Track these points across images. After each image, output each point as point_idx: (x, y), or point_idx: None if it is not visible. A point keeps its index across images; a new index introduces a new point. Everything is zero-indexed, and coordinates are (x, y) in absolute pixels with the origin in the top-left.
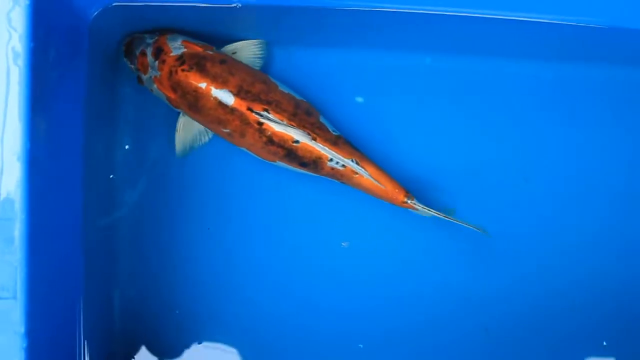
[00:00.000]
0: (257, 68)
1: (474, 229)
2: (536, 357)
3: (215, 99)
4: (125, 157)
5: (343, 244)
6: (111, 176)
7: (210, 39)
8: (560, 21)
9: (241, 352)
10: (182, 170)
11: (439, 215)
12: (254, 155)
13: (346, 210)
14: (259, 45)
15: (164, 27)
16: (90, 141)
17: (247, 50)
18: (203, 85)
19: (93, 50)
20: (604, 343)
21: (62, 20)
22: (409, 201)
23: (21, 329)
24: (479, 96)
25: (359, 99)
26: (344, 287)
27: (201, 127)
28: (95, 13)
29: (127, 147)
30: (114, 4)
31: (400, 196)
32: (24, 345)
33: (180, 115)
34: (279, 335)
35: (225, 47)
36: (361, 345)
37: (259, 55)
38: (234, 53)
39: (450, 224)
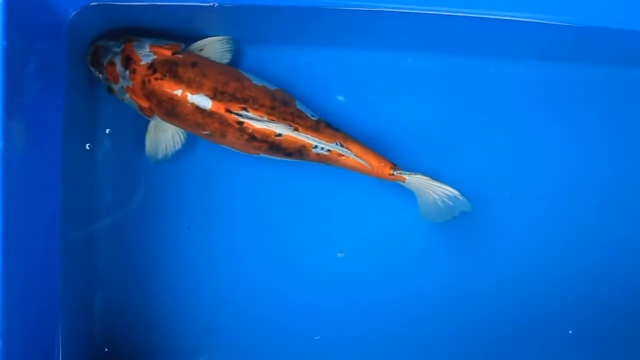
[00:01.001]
0: (226, 63)
1: (458, 197)
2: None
3: (193, 104)
4: (105, 157)
5: (339, 254)
6: (87, 146)
7: (185, 36)
8: (543, 20)
9: (224, 355)
10: (164, 170)
11: (426, 179)
12: (235, 150)
13: (326, 213)
14: (225, 41)
15: (128, 29)
16: (70, 141)
17: (214, 46)
18: (179, 92)
19: (72, 50)
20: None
21: (39, 19)
22: (395, 173)
23: None
24: (461, 95)
25: (340, 98)
26: (326, 289)
27: (174, 130)
28: (74, 12)
29: (108, 130)
30: (93, 3)
31: (386, 169)
32: None
33: (152, 118)
34: (261, 336)
35: (193, 45)
36: (317, 337)
37: (227, 50)
38: (200, 50)
39: (425, 225)
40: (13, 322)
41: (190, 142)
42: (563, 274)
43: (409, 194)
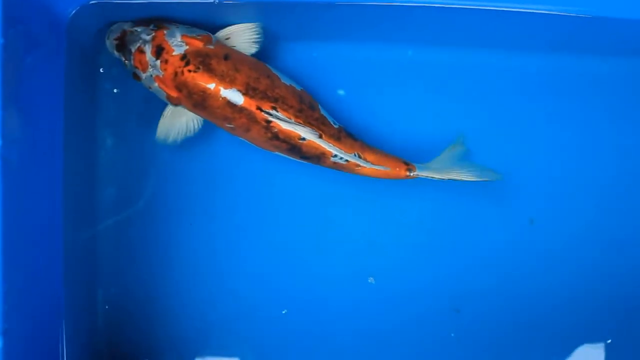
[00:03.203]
0: (252, 53)
1: (482, 171)
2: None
3: (224, 99)
4: (107, 155)
5: (370, 279)
6: (115, 90)
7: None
8: (544, 11)
9: (227, 351)
10: (167, 167)
11: (445, 175)
12: (249, 143)
13: (327, 209)
14: (255, 29)
15: (154, 17)
16: (71, 140)
17: (241, 35)
18: (212, 85)
19: (72, 48)
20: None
21: (38, 18)
22: (411, 173)
23: None
24: (462, 88)
25: (341, 92)
26: (329, 284)
27: (189, 117)
28: (73, 11)
29: (115, 90)
30: (92, 1)
31: (402, 172)
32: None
33: (175, 105)
34: (266, 333)
35: (219, 32)
36: (284, 311)
37: (255, 40)
38: (227, 39)
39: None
40: (14, 320)
41: (194, 141)
42: (564, 267)
43: (409, 192)
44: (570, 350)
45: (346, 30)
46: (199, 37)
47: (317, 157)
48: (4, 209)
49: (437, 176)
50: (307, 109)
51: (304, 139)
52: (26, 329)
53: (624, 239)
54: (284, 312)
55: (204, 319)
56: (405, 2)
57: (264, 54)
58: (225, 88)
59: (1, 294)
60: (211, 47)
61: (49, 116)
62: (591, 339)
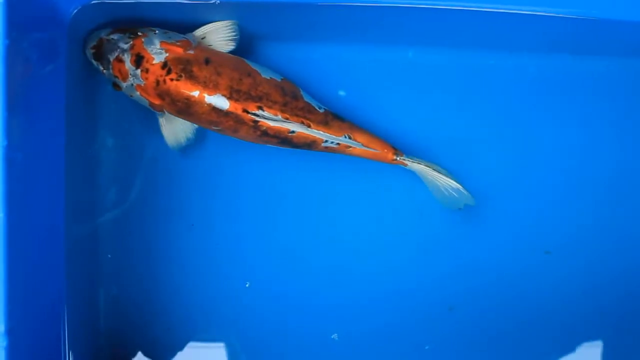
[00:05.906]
0: (229, 50)
1: (461, 190)
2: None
3: (210, 105)
4: (109, 154)
5: (333, 336)
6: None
7: (189, 30)
8: (543, 13)
9: (230, 350)
10: (167, 166)
11: (428, 170)
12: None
13: (329, 207)
14: (230, 27)
15: (128, 22)
16: (72, 139)
17: (217, 33)
18: (195, 93)
19: (73, 48)
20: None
21: (40, 18)
22: (398, 158)
23: (1, 327)
24: (462, 89)
25: (342, 93)
26: (328, 284)
27: (184, 123)
28: (75, 11)
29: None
30: (93, 1)
31: (389, 155)
32: (4, 344)
33: (161, 114)
34: (265, 331)
35: (195, 32)
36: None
37: (231, 38)
38: (203, 38)
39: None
40: (18, 319)
41: (196, 137)
42: (562, 267)
43: (408, 189)
44: (566, 350)
45: (347, 32)
46: (178, 43)
47: (309, 145)
48: (8, 209)
49: (421, 167)
50: (291, 100)
51: (293, 131)
52: (30, 328)
53: (622, 241)
54: (247, 285)
55: (206, 318)
56: (406, 4)
57: (259, 54)
58: (209, 95)
59: (5, 292)
60: (191, 52)
61: (51, 115)
62: (586, 341)
